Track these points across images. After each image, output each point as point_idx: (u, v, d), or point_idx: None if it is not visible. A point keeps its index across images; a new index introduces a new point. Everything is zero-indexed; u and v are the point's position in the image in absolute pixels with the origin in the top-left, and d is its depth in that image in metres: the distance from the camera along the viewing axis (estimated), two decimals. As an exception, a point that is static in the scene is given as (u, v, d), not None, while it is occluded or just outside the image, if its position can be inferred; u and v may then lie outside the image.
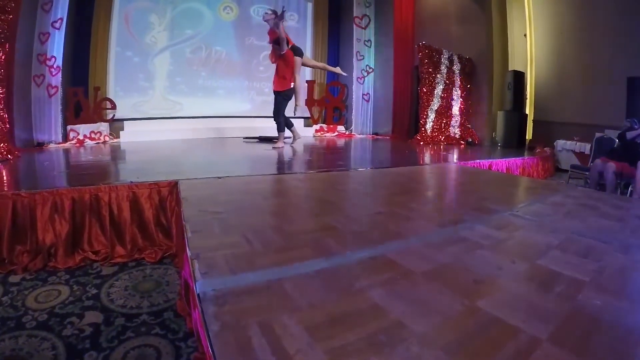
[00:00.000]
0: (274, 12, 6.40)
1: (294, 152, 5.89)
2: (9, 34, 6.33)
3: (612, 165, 5.00)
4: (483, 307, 1.13)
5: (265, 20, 6.52)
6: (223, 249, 1.42)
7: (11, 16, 6.22)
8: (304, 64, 6.70)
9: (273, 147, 5.88)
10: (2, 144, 5.83)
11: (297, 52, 6.44)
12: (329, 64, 10.58)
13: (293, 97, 6.74)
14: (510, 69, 8.89)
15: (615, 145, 5.33)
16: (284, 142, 6.49)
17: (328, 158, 4.72)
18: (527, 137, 8.72)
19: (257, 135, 8.16)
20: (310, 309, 1.04)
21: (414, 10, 10.70)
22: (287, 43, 6.33)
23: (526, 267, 1.54)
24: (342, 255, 1.40)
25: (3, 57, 6.07)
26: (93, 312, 2.19)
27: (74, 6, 8.80)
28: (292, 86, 6.44)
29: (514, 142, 8.29)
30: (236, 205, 2.08)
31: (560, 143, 7.76)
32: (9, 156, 5.72)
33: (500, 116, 8.65)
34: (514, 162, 6.12)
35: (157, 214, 2.93)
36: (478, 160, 5.48)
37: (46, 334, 1.96)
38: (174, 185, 2.69)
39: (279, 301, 1.08)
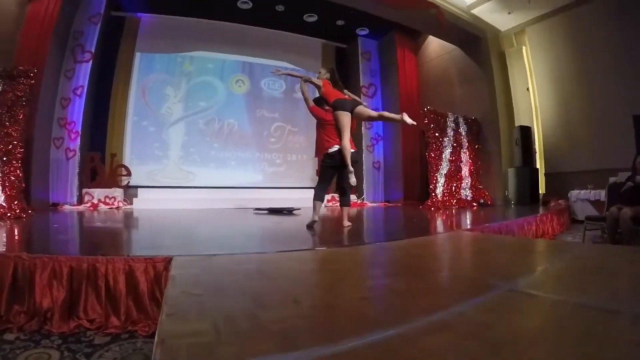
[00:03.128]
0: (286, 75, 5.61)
1: (301, 226, 5.25)
2: (31, 98, 6.65)
3: (626, 212, 4.69)
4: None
5: None
6: (190, 337, 1.38)
7: (33, 81, 6.55)
8: (357, 117, 4.92)
9: (307, 226, 4.66)
10: (16, 202, 6.03)
11: (339, 106, 4.79)
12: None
13: None
14: (516, 124, 9.03)
15: (623, 189, 5.08)
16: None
17: (330, 232, 4.65)
18: (540, 192, 8.65)
19: (267, 207, 8.09)
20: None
21: (418, 76, 11.07)
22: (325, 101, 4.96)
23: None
24: (303, 351, 1.34)
25: (23, 119, 6.33)
26: (78, 380, 2.16)
27: (95, 75, 9.35)
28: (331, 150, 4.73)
29: (527, 198, 8.23)
30: (219, 286, 2.05)
31: (574, 194, 7.63)
32: (22, 214, 5.90)
33: (511, 173, 8.68)
34: (526, 221, 5.80)
35: (152, 288, 2.92)
36: (487, 224, 5.29)
37: (29, 395, 1.93)
38: (168, 261, 2.70)
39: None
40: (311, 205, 4.74)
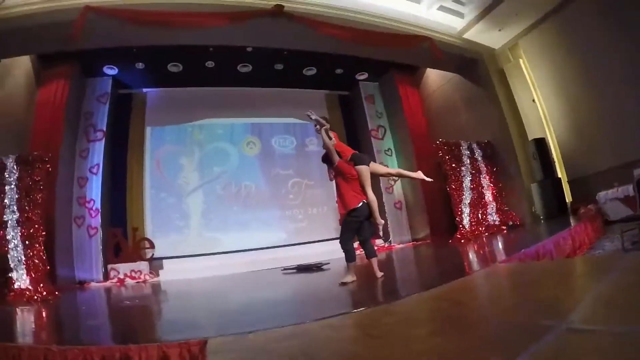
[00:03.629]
0: (316, 120, 4.96)
1: (332, 282, 4.92)
2: (48, 181, 6.79)
3: None
4: None
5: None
6: None
7: (49, 165, 6.69)
8: (373, 173, 4.89)
9: (341, 283, 4.53)
10: (42, 284, 6.06)
11: (359, 160, 4.73)
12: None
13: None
14: (529, 138, 8.88)
15: None
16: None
17: (362, 286, 4.50)
18: (567, 200, 8.39)
19: (296, 265, 7.74)
20: None
21: (424, 111, 11.09)
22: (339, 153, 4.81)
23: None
24: None
25: (42, 202, 6.45)
26: None
27: (109, 153, 9.62)
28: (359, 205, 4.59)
29: (555, 211, 8.01)
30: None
31: (602, 195, 7.36)
32: (49, 297, 5.94)
33: (534, 188, 8.50)
34: (562, 237, 5.50)
35: (188, 372, 2.82)
36: (523, 250, 5.06)
37: None
38: (203, 344, 2.61)
39: None
40: (338, 256, 4.69)
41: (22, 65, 8.30)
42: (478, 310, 2.80)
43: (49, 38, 7.06)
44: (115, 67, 9.74)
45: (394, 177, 5.51)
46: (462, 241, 7.95)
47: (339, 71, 11.20)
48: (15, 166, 6.42)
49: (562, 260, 5.09)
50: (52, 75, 8.78)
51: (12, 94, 8.03)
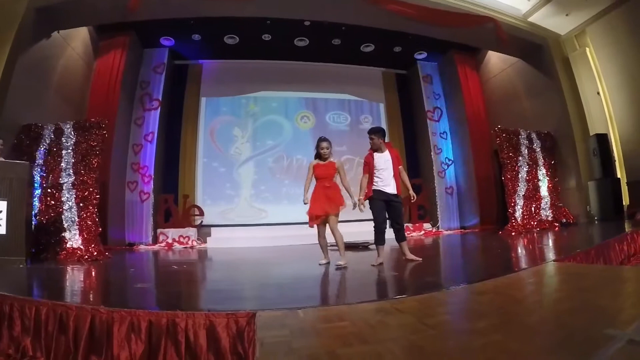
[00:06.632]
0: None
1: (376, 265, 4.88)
2: (104, 147, 7.02)
3: None
4: None
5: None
6: None
7: (105, 132, 6.88)
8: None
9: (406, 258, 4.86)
10: (93, 245, 6.29)
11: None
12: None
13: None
14: (591, 133, 8.38)
15: None
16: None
17: (413, 272, 4.40)
18: (624, 203, 7.91)
19: None
20: None
21: (483, 95, 10.67)
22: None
23: None
24: None
25: (97, 166, 6.65)
26: None
27: (164, 121, 9.85)
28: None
29: (611, 213, 7.61)
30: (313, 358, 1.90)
31: None
32: (99, 257, 6.16)
33: (591, 187, 8.08)
34: (617, 241, 5.25)
35: (234, 343, 2.83)
36: (579, 250, 4.82)
37: None
38: (251, 317, 2.60)
39: None
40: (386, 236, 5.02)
41: (80, 36, 8.57)
42: (537, 310, 2.66)
43: (107, 9, 7.30)
44: (171, 39, 9.94)
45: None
46: (513, 234, 7.70)
47: (397, 49, 10.94)
48: (72, 132, 6.69)
49: (620, 267, 4.84)
50: (109, 46, 9.11)
51: (71, 64, 8.31)
